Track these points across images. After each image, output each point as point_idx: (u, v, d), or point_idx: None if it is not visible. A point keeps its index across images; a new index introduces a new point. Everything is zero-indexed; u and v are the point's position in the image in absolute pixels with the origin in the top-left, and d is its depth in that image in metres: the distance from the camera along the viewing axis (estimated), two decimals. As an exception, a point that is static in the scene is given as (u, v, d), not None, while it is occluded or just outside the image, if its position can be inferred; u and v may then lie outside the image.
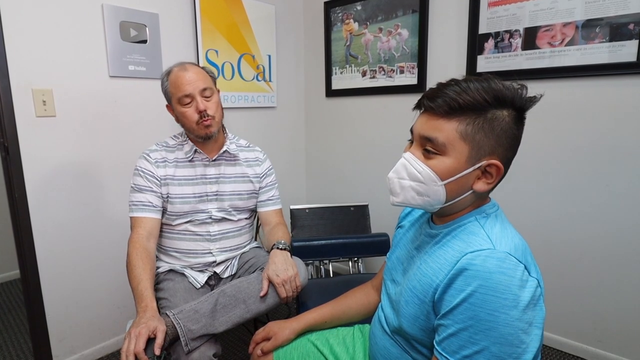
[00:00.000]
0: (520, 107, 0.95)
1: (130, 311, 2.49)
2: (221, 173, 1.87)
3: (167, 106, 1.83)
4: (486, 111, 0.93)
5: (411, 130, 1.05)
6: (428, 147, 0.98)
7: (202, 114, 1.71)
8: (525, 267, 0.88)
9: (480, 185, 0.98)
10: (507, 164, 0.99)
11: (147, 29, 2.40)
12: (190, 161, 1.82)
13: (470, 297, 0.87)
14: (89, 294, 2.36)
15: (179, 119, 1.78)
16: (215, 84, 1.82)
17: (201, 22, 2.66)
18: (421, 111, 1.02)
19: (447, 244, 1.01)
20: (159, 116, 2.34)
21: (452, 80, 0.97)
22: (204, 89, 1.73)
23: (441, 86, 0.97)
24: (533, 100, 0.96)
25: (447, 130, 0.94)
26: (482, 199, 1.04)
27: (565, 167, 2.26)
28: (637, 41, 1.96)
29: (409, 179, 1.00)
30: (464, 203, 1.02)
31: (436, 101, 0.94)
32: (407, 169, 1.01)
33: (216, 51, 2.78)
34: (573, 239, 2.30)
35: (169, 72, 1.76)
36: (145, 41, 2.40)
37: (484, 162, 0.96)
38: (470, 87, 0.92)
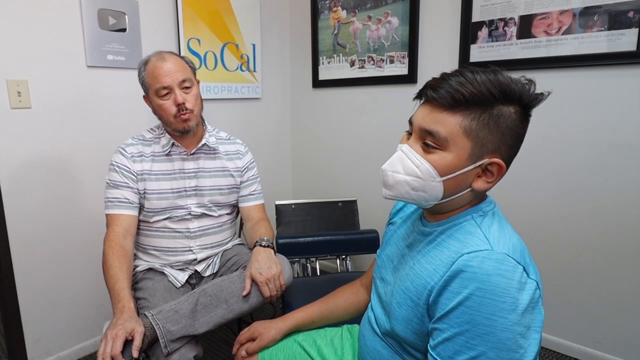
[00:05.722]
0: (527, 103, 0.92)
1: (108, 311, 2.43)
2: (200, 167, 1.83)
3: (144, 97, 1.79)
4: (492, 106, 0.90)
5: (410, 121, 1.01)
6: (428, 141, 0.94)
7: (180, 107, 1.68)
8: (524, 269, 0.86)
9: (480, 184, 0.95)
10: (508, 162, 0.96)
11: (126, 16, 2.35)
12: (167, 155, 1.79)
13: (466, 300, 0.84)
14: (65, 292, 2.31)
15: (156, 111, 1.74)
16: (195, 74, 1.79)
17: (182, 10, 2.61)
18: (422, 101, 0.98)
19: (442, 243, 0.98)
20: (138, 108, 2.27)
21: (457, 70, 0.93)
22: (183, 81, 1.69)
23: (445, 76, 0.93)
24: (540, 98, 0.92)
25: (450, 124, 0.91)
26: (479, 197, 1.01)
27: (561, 161, 2.23)
28: (636, 30, 1.92)
29: (404, 173, 0.96)
30: (461, 201, 0.99)
31: (439, 92, 0.91)
32: (403, 163, 0.97)
33: (198, 40, 2.73)
34: (570, 236, 2.27)
35: (146, 62, 1.72)
36: (124, 30, 2.35)
37: (485, 160, 0.93)
38: (476, 79, 0.89)
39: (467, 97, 0.88)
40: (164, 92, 1.67)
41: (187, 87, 1.70)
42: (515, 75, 0.92)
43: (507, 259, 0.85)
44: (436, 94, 0.91)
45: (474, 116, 0.89)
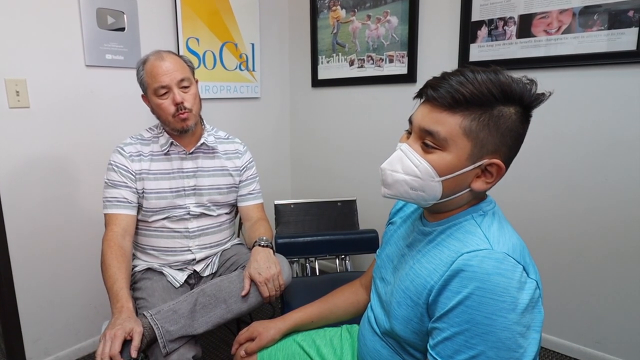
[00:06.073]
0: (528, 104, 0.91)
1: (107, 311, 2.42)
2: (199, 166, 1.82)
3: (142, 96, 1.79)
4: (492, 107, 0.89)
5: (410, 120, 1.00)
6: (427, 141, 0.93)
7: (178, 106, 1.67)
8: (524, 268, 0.86)
9: (479, 184, 0.95)
10: (508, 163, 0.95)
11: (125, 16, 2.34)
12: (166, 154, 1.78)
13: (466, 300, 0.84)
14: (64, 292, 2.31)
15: (155, 110, 1.74)
16: (193, 74, 1.79)
17: (181, 9, 2.60)
18: (422, 100, 0.97)
19: (442, 243, 0.98)
20: (137, 107, 2.27)
21: (458, 69, 0.92)
22: (182, 80, 1.69)
23: (446, 75, 0.92)
24: (542, 98, 0.91)
25: (450, 124, 0.90)
26: (479, 196, 1.01)
27: (561, 161, 2.22)
28: (636, 29, 1.92)
29: (403, 173, 0.96)
30: (460, 201, 0.98)
31: (439, 91, 0.90)
32: (402, 162, 0.96)
33: (197, 39, 2.72)
34: (570, 236, 2.26)
35: (145, 61, 1.72)
36: (123, 29, 2.35)
37: (485, 161, 0.92)
38: (477, 79, 0.88)
39: (468, 97, 0.87)
40: (163, 91, 1.66)
41: (185, 87, 1.70)
42: (517, 75, 0.91)
43: (507, 259, 0.84)
44: (436, 93, 0.90)
45: (474, 117, 0.89)
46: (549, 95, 0.91)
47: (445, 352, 0.87)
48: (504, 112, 0.89)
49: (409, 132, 1.00)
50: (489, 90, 0.87)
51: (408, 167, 0.95)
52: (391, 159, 0.98)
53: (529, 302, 0.82)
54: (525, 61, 2.22)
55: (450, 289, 0.87)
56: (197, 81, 1.79)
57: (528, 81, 0.90)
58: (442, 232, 0.99)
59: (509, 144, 0.92)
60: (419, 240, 1.06)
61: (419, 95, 0.96)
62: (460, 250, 0.89)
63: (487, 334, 0.82)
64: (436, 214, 1.03)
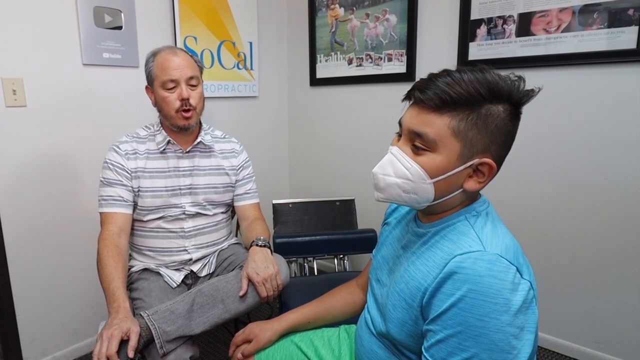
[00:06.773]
0: (516, 101, 0.91)
1: (104, 311, 2.42)
2: (195, 165, 1.82)
3: (146, 87, 1.79)
4: (480, 106, 0.89)
5: (399, 123, 1.00)
6: (417, 143, 0.94)
7: (184, 102, 1.68)
8: (517, 269, 0.86)
9: (471, 184, 0.95)
10: (500, 162, 0.95)
11: (122, 14, 2.33)
12: (162, 153, 1.78)
13: (459, 302, 0.84)
14: (60, 292, 2.30)
15: (158, 103, 1.74)
16: (201, 74, 1.80)
17: (179, 7, 2.59)
18: (411, 102, 0.97)
19: (435, 244, 0.97)
20: (134, 106, 2.28)
21: (445, 70, 0.92)
22: (191, 77, 1.71)
23: (432, 76, 0.92)
24: (530, 95, 0.91)
25: (438, 125, 0.90)
26: (472, 197, 1.01)
27: (561, 160, 2.21)
28: (636, 27, 1.91)
29: (395, 176, 0.96)
30: (453, 202, 0.98)
31: (427, 93, 0.90)
32: (393, 165, 0.97)
33: (195, 38, 2.71)
34: (569, 235, 2.25)
35: (156, 53, 1.73)
36: (120, 27, 2.34)
37: (476, 161, 0.92)
38: (463, 79, 0.88)
39: (454, 98, 0.87)
40: (171, 85, 1.67)
41: (193, 85, 1.71)
42: (512, 73, 0.91)
43: (500, 260, 0.84)
44: (423, 95, 0.90)
45: (462, 117, 0.89)
46: (538, 91, 0.91)
47: (439, 354, 0.87)
48: (492, 111, 0.89)
49: (400, 135, 1.00)
50: (476, 90, 0.87)
51: (399, 170, 0.95)
52: (382, 163, 0.99)
53: (522, 303, 0.82)
54: (524, 60, 2.21)
55: (443, 292, 0.87)
56: (202, 82, 1.80)
57: (516, 78, 0.90)
58: (436, 233, 0.99)
59: (499, 143, 0.92)
60: (413, 241, 1.06)
61: (407, 97, 0.97)
62: (453, 252, 0.89)
63: (480, 336, 0.82)
64: (430, 215, 1.02)
